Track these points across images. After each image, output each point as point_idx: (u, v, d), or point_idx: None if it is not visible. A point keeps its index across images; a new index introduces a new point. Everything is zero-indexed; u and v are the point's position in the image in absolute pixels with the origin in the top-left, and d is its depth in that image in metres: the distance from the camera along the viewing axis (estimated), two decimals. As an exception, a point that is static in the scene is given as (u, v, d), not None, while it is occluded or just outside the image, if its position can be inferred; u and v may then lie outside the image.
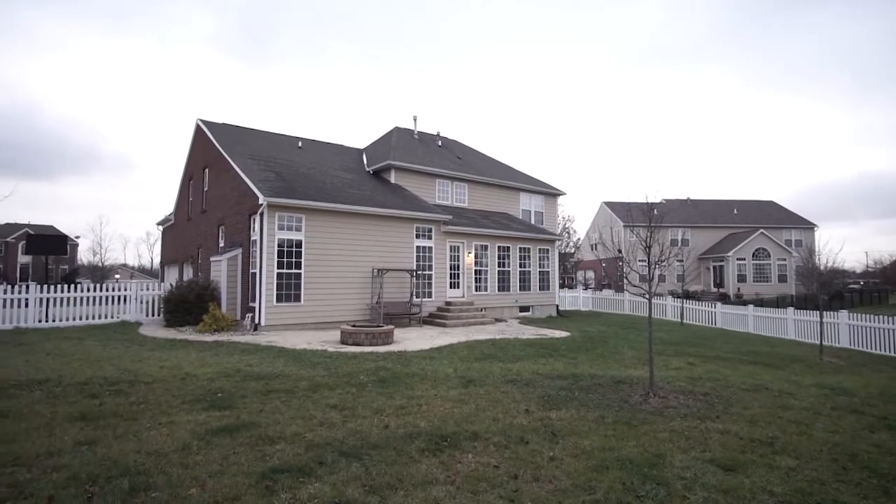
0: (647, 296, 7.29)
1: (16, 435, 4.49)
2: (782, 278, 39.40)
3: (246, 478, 3.65)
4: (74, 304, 13.55)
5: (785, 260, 39.77)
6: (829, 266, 14.40)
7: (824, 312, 14.71)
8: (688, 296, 27.34)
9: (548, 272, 20.85)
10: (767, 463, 4.27)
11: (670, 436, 4.92)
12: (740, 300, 31.44)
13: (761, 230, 40.08)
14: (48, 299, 13.23)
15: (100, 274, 53.83)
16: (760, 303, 24.13)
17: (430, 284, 16.69)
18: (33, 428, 4.70)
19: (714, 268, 41.09)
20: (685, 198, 47.11)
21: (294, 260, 13.54)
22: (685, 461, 4.22)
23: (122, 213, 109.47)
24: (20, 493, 3.35)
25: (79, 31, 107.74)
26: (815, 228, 43.73)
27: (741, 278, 38.92)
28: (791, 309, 17.64)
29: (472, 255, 18.03)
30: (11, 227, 57.89)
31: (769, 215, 45.28)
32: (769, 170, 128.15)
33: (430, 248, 16.73)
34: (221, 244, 16.79)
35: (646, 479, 3.83)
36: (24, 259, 56.87)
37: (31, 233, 45.67)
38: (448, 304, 16.81)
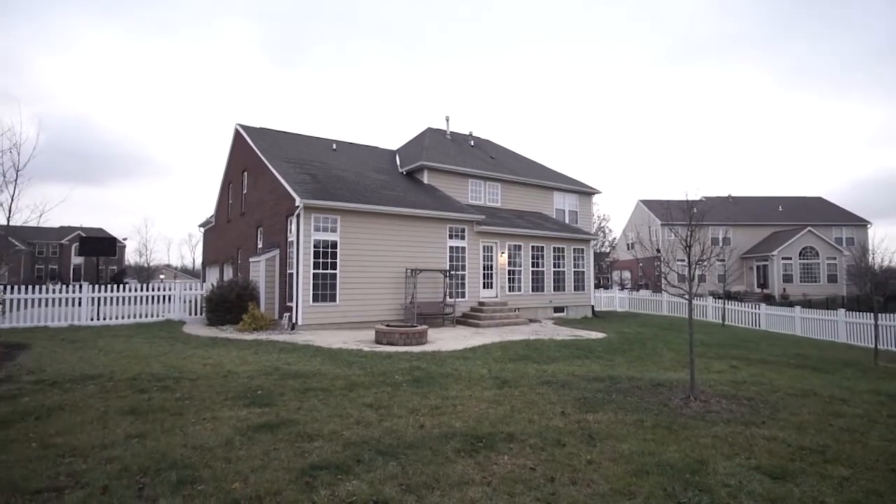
0: (686, 296, 7.08)
1: (72, 427, 4.73)
2: (832, 278, 37.60)
3: (286, 473, 3.74)
4: (123, 304, 14.19)
5: (835, 259, 37.94)
6: (884, 265, 13.66)
7: (880, 314, 13.96)
8: (729, 297, 26.42)
9: (583, 272, 20.52)
10: (818, 472, 4.08)
11: (713, 441, 4.76)
12: (786, 301, 30.17)
13: (808, 228, 38.36)
14: (99, 298, 13.88)
15: (145, 274, 56.19)
16: (808, 304, 23.10)
17: (462, 285, 16.68)
18: (87, 421, 4.94)
19: (757, 267, 39.58)
20: (726, 195, 45.55)
21: (330, 260, 13.77)
22: (729, 468, 4.07)
23: (166, 215, 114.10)
24: (77, 482, 3.53)
25: (127, 39, 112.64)
26: (869, 225, 41.53)
27: (787, 278, 37.35)
28: (842, 311, 16.81)
29: (506, 255, 17.92)
30: (66, 230, 61.17)
31: (816, 212, 43.28)
32: (816, 165, 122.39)
33: (463, 248, 16.72)
34: (260, 245, 17.24)
35: (688, 485, 3.72)
36: (76, 260, 59.98)
37: (84, 235, 48.07)
38: (481, 304, 16.75)
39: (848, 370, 10.39)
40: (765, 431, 5.14)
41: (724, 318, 20.39)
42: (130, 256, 67.22)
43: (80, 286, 13.71)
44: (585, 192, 23.71)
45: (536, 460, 4.16)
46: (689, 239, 7.12)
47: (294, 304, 13.36)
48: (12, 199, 9.18)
